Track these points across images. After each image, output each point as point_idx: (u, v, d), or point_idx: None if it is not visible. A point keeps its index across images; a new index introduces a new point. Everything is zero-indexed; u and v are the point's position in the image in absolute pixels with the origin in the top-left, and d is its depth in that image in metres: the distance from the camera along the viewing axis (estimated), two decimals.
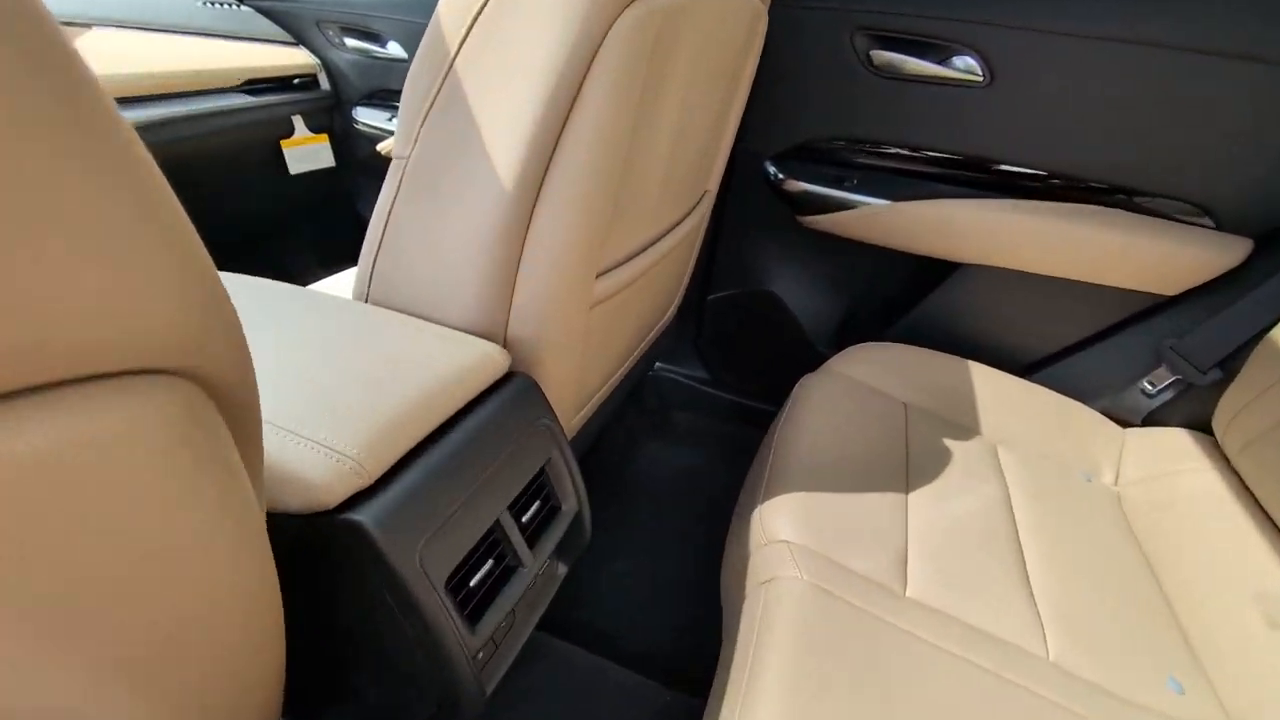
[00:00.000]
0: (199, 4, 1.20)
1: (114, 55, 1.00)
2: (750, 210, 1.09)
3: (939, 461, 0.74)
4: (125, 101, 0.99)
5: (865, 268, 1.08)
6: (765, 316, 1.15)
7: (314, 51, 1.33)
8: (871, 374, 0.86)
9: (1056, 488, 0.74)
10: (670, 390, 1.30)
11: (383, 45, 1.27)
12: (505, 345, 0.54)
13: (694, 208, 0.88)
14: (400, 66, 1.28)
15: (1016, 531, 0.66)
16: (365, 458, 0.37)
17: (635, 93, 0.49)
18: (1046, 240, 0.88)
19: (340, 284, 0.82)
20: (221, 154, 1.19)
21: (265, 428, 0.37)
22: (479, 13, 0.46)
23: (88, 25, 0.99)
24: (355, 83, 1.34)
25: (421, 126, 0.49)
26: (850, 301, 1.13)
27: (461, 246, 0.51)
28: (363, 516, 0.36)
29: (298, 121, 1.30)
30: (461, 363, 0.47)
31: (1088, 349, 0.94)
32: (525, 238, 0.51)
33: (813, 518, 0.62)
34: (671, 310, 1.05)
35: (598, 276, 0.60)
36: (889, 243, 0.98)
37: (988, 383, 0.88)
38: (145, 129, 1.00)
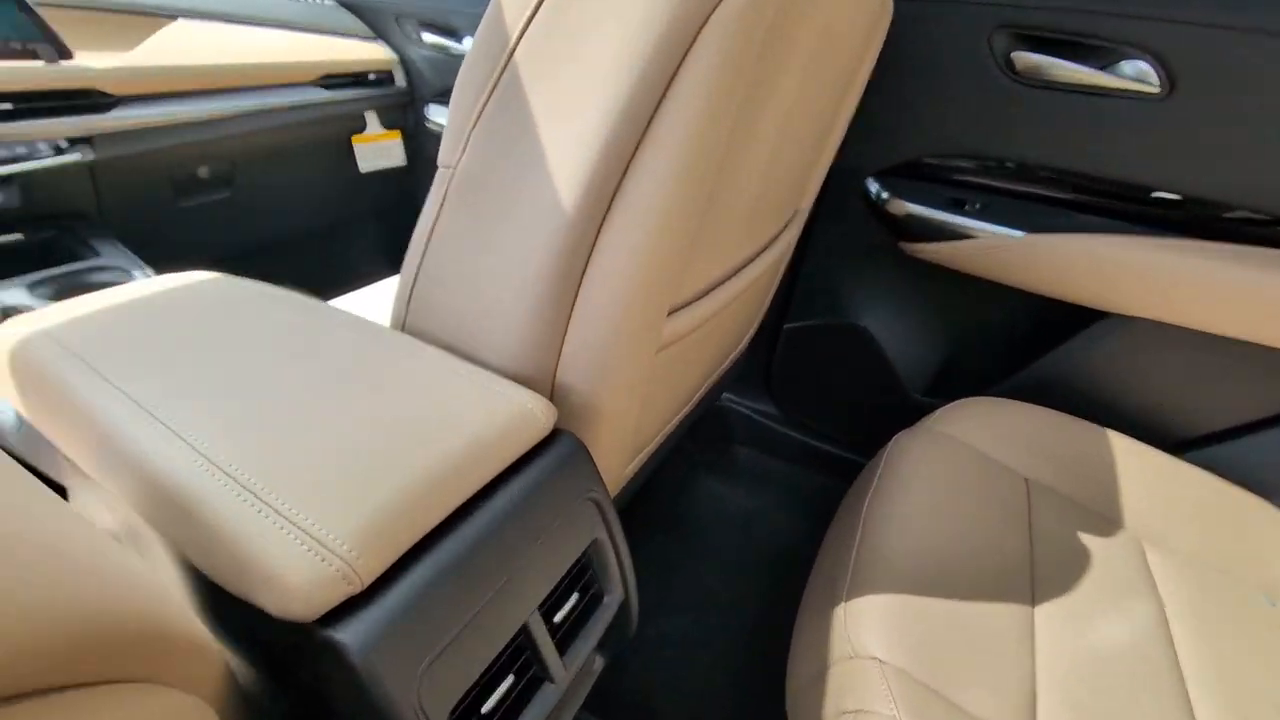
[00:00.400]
0: None
1: (195, 47, 0.99)
2: (842, 232, 0.96)
3: (1072, 562, 0.59)
4: (202, 93, 0.98)
5: (977, 307, 0.93)
6: (851, 353, 1.02)
7: (392, 47, 1.31)
8: (985, 438, 0.72)
9: (1227, 611, 0.58)
10: (734, 422, 1.18)
11: (459, 41, 1.22)
12: (551, 395, 0.45)
13: (783, 229, 0.77)
14: None
15: (1180, 671, 0.51)
16: (358, 556, 0.28)
17: (739, 91, 0.39)
18: (1230, 293, 0.71)
19: (384, 292, 0.76)
20: (294, 149, 1.18)
21: (240, 494, 0.30)
22: None
23: (172, 16, 0.99)
24: (431, 80, 1.30)
25: (472, 130, 0.41)
26: (955, 345, 0.97)
27: (510, 273, 0.42)
28: (347, 637, 0.27)
29: (371, 117, 1.28)
30: (496, 421, 0.38)
31: (1270, 430, 0.75)
32: (586, 266, 0.42)
33: (912, 630, 0.50)
34: (745, 340, 0.94)
35: (669, 314, 0.50)
36: (1016, 280, 0.83)
37: (1131, 460, 0.72)
38: (220, 122, 0.99)
